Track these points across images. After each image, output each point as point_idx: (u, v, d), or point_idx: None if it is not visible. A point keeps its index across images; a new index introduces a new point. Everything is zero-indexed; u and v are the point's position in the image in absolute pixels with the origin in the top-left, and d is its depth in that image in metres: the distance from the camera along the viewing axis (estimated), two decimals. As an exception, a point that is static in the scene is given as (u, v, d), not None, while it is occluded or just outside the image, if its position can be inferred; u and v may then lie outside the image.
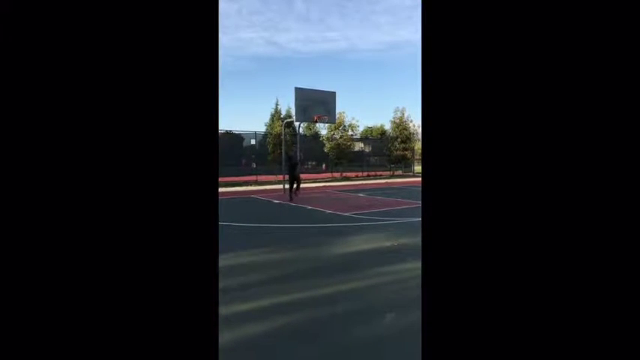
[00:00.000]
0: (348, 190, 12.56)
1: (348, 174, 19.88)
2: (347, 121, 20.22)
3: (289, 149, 14.12)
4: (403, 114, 22.57)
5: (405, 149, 22.02)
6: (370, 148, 23.42)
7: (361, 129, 23.75)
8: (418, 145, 22.72)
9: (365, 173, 20.83)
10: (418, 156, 22.56)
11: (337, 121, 19.34)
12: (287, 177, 10.62)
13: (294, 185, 10.08)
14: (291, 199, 9.56)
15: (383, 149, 22.75)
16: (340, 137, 19.90)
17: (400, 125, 22.25)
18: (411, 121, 22.64)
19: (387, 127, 23.76)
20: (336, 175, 19.51)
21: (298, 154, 12.38)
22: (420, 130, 22.62)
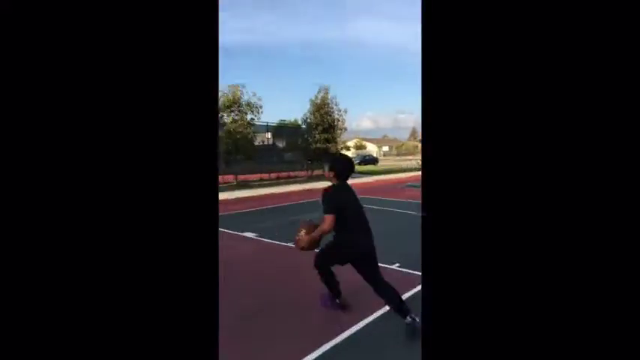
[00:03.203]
0: (235, 217, 6.49)
1: (248, 176, 13.39)
2: (246, 99, 13.65)
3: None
4: (327, 94, 16.41)
5: (327, 140, 16.12)
6: (284, 144, 16.92)
7: (268, 118, 17.04)
8: (345, 138, 16.89)
9: (274, 175, 14.54)
10: (348, 151, 16.73)
11: (229, 97, 12.85)
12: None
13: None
14: None
15: (298, 141, 16.59)
16: (234, 122, 13.24)
17: (322, 108, 16.21)
18: (336, 105, 16.65)
19: (301, 118, 17.25)
20: (229, 178, 12.86)
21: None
22: (345, 117, 16.97)
